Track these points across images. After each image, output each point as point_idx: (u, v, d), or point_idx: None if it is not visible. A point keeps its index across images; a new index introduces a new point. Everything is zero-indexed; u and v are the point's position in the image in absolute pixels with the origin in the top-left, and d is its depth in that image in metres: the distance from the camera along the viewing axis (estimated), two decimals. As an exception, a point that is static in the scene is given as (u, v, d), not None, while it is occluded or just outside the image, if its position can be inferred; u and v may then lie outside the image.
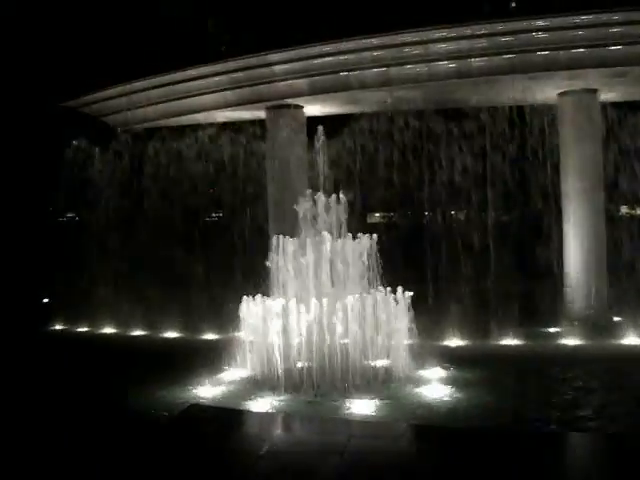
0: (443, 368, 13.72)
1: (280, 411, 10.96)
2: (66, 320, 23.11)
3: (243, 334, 13.71)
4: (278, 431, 9.26)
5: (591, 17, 17.97)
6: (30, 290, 25.24)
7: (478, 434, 9.03)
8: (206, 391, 12.68)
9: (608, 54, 17.98)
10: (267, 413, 10.75)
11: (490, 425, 10.01)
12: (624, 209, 28.03)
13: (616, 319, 19.61)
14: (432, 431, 9.22)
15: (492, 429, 9.49)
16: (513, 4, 19.83)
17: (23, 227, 27.74)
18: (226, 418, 9.91)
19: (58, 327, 22.99)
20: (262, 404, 11.57)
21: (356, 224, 15.21)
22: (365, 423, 9.87)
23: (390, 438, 8.56)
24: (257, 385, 12.86)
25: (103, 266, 23.86)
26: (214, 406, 11.06)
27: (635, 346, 16.70)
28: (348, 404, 11.40)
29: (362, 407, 11.18)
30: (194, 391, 12.70)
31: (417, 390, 12.34)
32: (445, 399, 11.78)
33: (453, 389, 12.34)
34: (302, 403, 11.61)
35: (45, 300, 26.08)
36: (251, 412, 10.80)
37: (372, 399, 11.66)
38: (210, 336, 19.04)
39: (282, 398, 11.95)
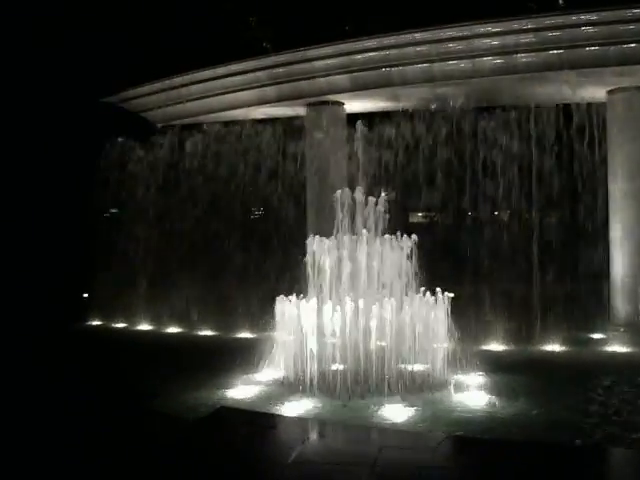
0: (482, 374, 13.23)
1: (311, 416, 10.59)
2: (103, 316, 23.15)
3: (277, 334, 13.37)
4: (308, 438, 8.88)
5: (640, 11, 17.33)
6: (71, 285, 25.29)
7: (518, 447, 8.57)
8: (237, 392, 12.39)
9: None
10: (297, 418, 10.38)
11: (531, 437, 9.49)
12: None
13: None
14: (470, 443, 8.78)
15: (533, 442, 8.98)
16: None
17: (66, 223, 27.81)
18: (255, 422, 9.60)
19: (95, 323, 23.03)
20: (293, 407, 11.22)
21: (397, 223, 14.76)
22: (399, 432, 9.44)
23: (425, 450, 8.13)
24: (289, 387, 12.52)
25: (144, 263, 23.83)
26: (243, 409, 10.73)
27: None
28: (382, 410, 10.99)
29: (396, 413, 10.76)
30: (225, 391, 12.43)
31: (455, 397, 11.87)
32: (484, 407, 11.29)
33: (492, 397, 11.84)
34: (334, 407, 11.22)
35: (84, 295, 26.15)
36: (281, 416, 10.46)
37: (407, 405, 11.23)
38: (245, 335, 18.82)
39: (314, 401, 11.58)
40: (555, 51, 17.89)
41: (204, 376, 13.30)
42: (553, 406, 11.26)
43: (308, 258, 13.47)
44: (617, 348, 16.76)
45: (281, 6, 25.67)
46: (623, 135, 19.39)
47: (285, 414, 10.76)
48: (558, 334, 17.11)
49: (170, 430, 9.62)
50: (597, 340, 17.90)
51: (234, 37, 25.72)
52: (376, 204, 13.89)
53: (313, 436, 9.17)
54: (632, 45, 17.43)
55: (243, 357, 13.60)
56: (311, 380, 12.31)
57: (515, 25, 18.02)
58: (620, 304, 19.13)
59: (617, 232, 19.40)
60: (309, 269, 13.61)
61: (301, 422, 10.11)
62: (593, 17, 17.59)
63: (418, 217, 33.04)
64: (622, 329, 18.32)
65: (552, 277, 20.97)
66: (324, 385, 12.23)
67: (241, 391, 12.44)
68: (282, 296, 13.29)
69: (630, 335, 17.54)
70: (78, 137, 27.64)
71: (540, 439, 9.45)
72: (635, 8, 17.40)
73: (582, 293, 20.55)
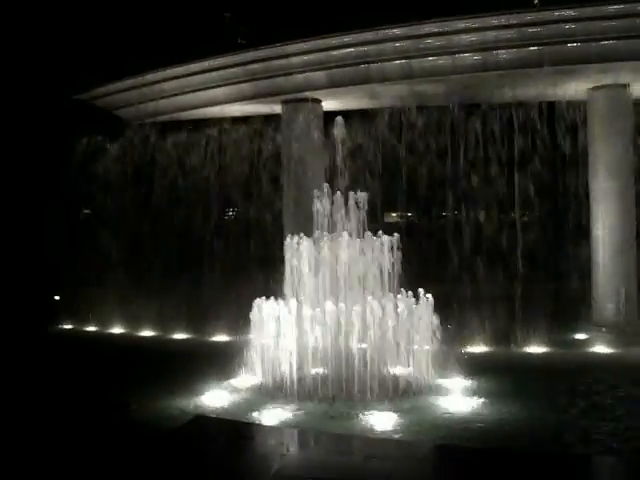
0: (467, 377, 12.87)
1: (292, 425, 10.16)
2: (75, 318, 22.55)
3: (254, 338, 12.91)
4: (289, 449, 8.46)
5: (624, 7, 17.05)
6: (42, 287, 24.66)
7: (508, 455, 8.20)
8: (214, 399, 11.93)
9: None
10: (278, 427, 9.95)
11: (521, 445, 9.13)
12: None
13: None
14: (458, 452, 8.39)
15: (522, 451, 8.61)
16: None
17: (36, 224, 27.18)
18: (233, 432, 9.17)
19: (67, 326, 22.41)
20: (273, 415, 10.78)
21: (373, 223, 14.37)
22: (385, 442, 9.04)
23: (412, 460, 7.74)
24: (268, 393, 12.10)
25: (115, 264, 23.27)
26: (220, 418, 10.27)
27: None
28: (366, 417, 10.59)
29: (381, 420, 10.36)
30: (201, 398, 11.96)
31: (440, 402, 11.51)
32: (470, 413, 10.95)
33: (479, 401, 11.50)
34: (316, 415, 10.80)
35: (56, 297, 25.51)
36: (260, 426, 10.00)
37: (392, 411, 10.84)
38: (221, 338, 18.34)
39: (295, 408, 11.16)
40: (536, 47, 17.54)
41: (179, 382, 12.76)
42: (540, 411, 10.95)
43: (286, 258, 13.04)
44: (600, 349, 16.50)
45: (257, 1, 25.24)
46: (604, 133, 19.16)
47: (265, 423, 10.32)
48: (541, 335, 16.80)
49: (142, 441, 9.13)
50: (580, 341, 17.64)
51: (209, 33, 25.25)
52: (356, 203, 13.49)
53: (295, 446, 8.75)
54: (613, 42, 17.14)
55: (220, 362, 13.17)
56: (291, 386, 11.89)
57: (495, 21, 17.65)
58: (602, 304, 18.89)
59: (599, 230, 19.16)
60: (287, 270, 13.19)
61: (282, 431, 9.69)
62: (574, 13, 17.28)
63: (393, 217, 32.76)
64: (604, 329, 18.09)
65: (533, 277, 20.73)
66: (305, 391, 11.81)
67: (218, 398, 11.97)
68: (260, 298, 12.85)
69: (613, 335, 17.32)
70: (48, 135, 27.02)
71: (528, 447, 9.13)
72: (616, 4, 17.17)
73: (564, 293, 20.36)
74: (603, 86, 18.84)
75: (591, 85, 18.96)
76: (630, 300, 18.68)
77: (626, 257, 18.95)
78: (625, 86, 18.75)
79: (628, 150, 19.06)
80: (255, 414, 10.86)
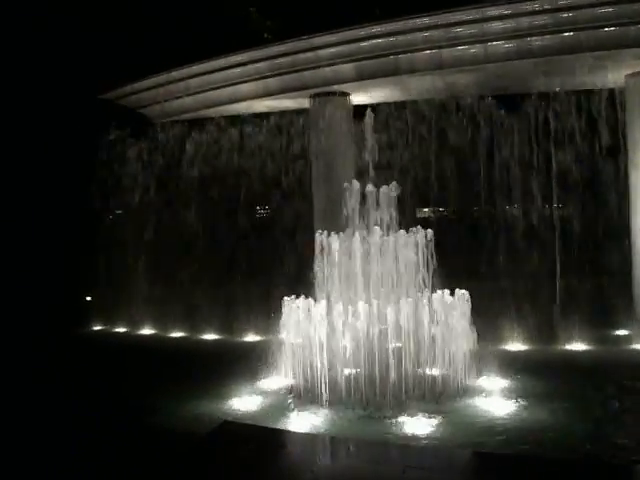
0: (506, 377, 12.34)
1: (324, 432, 9.71)
2: (106, 320, 22.38)
3: (285, 339, 12.49)
4: (321, 457, 8.03)
5: (662, -12, 16.37)
6: (74, 288, 24.52)
7: (547, 463, 7.69)
8: (243, 403, 11.55)
9: (683, 29, 16.31)
10: (309, 434, 9.50)
11: (566, 452, 8.60)
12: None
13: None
14: (499, 460, 7.89)
15: (569, 459, 8.09)
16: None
17: (66, 223, 27.07)
18: (262, 439, 8.74)
19: (97, 327, 22.23)
20: (303, 420, 10.36)
21: (405, 218, 13.88)
22: (422, 449, 8.57)
23: (452, 470, 7.25)
24: (299, 396, 11.66)
25: (148, 265, 23.06)
26: (249, 424, 9.86)
27: None
28: (401, 421, 10.12)
29: (417, 425, 9.90)
30: (229, 403, 11.58)
31: (478, 404, 11.01)
32: (510, 416, 10.44)
33: (518, 404, 10.98)
34: (349, 420, 10.36)
35: (88, 298, 25.38)
36: (290, 432, 9.58)
37: (428, 415, 10.36)
38: (252, 338, 17.97)
39: (326, 413, 10.72)
40: (570, 33, 16.88)
41: (207, 385, 12.48)
42: (585, 415, 10.43)
43: (317, 255, 12.60)
44: (640, 345, 15.87)
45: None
46: (643, 121, 18.43)
47: (296, 429, 9.88)
48: (581, 332, 16.20)
49: (170, 449, 8.76)
50: (622, 337, 17.00)
51: (234, 28, 24.90)
52: (387, 198, 13.01)
53: (327, 455, 8.30)
54: (653, 25, 16.43)
55: (249, 363, 12.80)
56: (323, 388, 11.44)
57: (528, 6, 17.00)
58: (644, 299, 18.17)
59: (639, 221, 18.43)
60: (317, 267, 12.76)
61: (314, 438, 9.25)
62: (609, -4, 16.61)
63: (425, 212, 32.23)
64: (646, 325, 17.40)
65: (574, 272, 20.06)
66: (337, 394, 11.36)
67: (247, 402, 11.60)
68: (290, 297, 12.43)
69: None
70: (76, 135, 26.87)
71: (568, 453, 8.62)
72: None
73: (605, 287, 19.68)
74: (641, 72, 18.12)
75: (629, 71, 18.21)
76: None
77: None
78: (666, 71, 18.02)
79: (671, 137, 18.31)
80: (285, 419, 10.46)
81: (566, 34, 16.97)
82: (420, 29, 17.92)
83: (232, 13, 27.37)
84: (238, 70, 20.29)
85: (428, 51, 17.99)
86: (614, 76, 18.48)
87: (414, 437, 9.48)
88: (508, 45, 17.39)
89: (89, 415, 10.81)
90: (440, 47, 17.86)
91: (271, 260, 21.59)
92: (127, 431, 9.77)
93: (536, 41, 17.13)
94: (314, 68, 19.12)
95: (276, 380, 12.54)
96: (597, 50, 16.85)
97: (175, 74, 21.49)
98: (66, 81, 27.16)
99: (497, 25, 17.31)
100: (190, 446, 8.69)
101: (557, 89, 20.12)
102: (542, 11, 16.95)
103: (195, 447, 8.61)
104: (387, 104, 21.82)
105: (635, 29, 16.41)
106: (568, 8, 16.84)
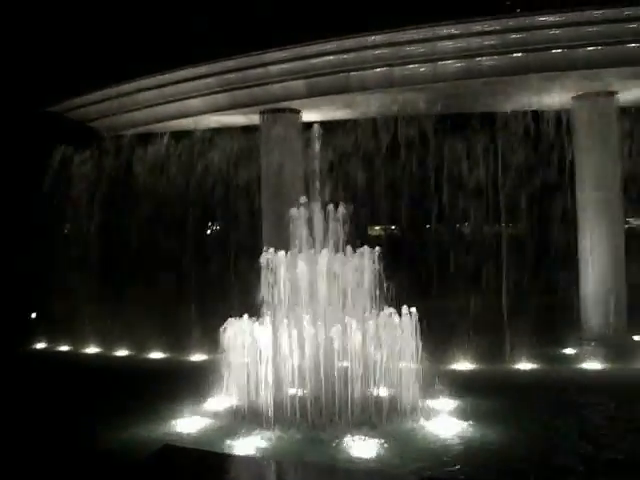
0: (454, 397, 12.25)
1: (268, 454, 9.48)
2: (50, 338, 21.78)
3: (230, 358, 12.22)
4: (265, 483, 7.81)
5: (609, 12, 16.63)
6: (18, 306, 23.88)
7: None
8: (185, 425, 11.25)
9: (628, 52, 16.60)
10: (253, 458, 9.27)
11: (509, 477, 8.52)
12: (635, 221, 26.97)
13: (636, 338, 18.28)
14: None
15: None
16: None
17: (11, 240, 26.44)
18: (204, 463, 8.46)
19: (41, 346, 21.62)
20: (248, 443, 10.11)
21: (356, 237, 13.76)
22: (369, 473, 8.38)
23: (397, 495, 7.09)
24: (244, 418, 11.38)
25: (92, 282, 22.60)
26: (191, 447, 9.58)
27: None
28: (347, 443, 9.94)
29: (364, 448, 9.73)
30: (171, 424, 11.28)
31: (426, 426, 10.88)
32: (459, 438, 10.33)
33: (467, 424, 10.90)
34: (294, 442, 10.15)
35: (32, 315, 24.75)
36: (234, 456, 9.32)
37: (375, 437, 10.20)
38: (197, 358, 17.63)
39: (272, 435, 10.49)
40: (520, 54, 17.09)
41: (149, 406, 12.15)
42: (532, 435, 10.36)
43: (262, 273, 12.39)
44: (590, 364, 15.96)
45: (234, 10, 24.71)
46: (589, 142, 18.71)
47: (239, 452, 9.63)
48: (529, 350, 16.23)
49: (107, 474, 8.44)
50: (569, 356, 17.12)
51: (185, 42, 24.64)
52: (335, 216, 12.86)
53: (273, 479, 8.06)
54: (598, 48, 16.71)
55: (194, 383, 12.50)
56: (268, 409, 11.21)
57: (478, 27, 17.19)
58: (591, 318, 18.40)
59: (587, 243, 18.65)
60: (264, 286, 12.54)
61: (258, 462, 9.00)
62: (558, 18, 16.85)
63: (376, 230, 32.29)
64: (594, 343, 17.56)
65: (521, 291, 20.21)
66: (283, 415, 11.13)
67: (190, 423, 11.30)
68: (235, 317, 12.18)
69: (602, 350, 16.79)
70: (21, 149, 26.32)
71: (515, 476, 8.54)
72: (601, 9, 16.76)
73: (552, 306, 19.87)
74: (588, 94, 18.38)
75: (576, 93, 18.50)
76: (619, 313, 18.19)
77: (615, 269, 18.46)
78: (611, 93, 18.30)
79: (615, 159, 18.60)
80: (229, 442, 10.20)
81: (514, 55, 17.17)
82: (371, 47, 17.96)
83: (183, 27, 27.13)
84: (188, 85, 20.09)
85: (379, 69, 18.03)
86: (561, 97, 18.79)
87: (360, 459, 9.32)
88: (458, 64, 17.53)
89: (20, 440, 10.40)
90: (391, 65, 17.92)
91: (219, 277, 21.37)
92: (61, 456, 9.40)
93: (485, 61, 17.30)
94: (264, 84, 19.01)
95: (221, 401, 12.24)
96: (544, 71, 17.11)
97: (125, 87, 21.22)
98: (11, 93, 26.63)
99: (447, 44, 17.44)
100: (128, 471, 8.40)
101: (506, 109, 20.38)
102: (491, 32, 17.14)
103: (133, 472, 8.31)
104: (339, 121, 21.85)
105: (582, 51, 16.70)
106: (517, 29, 17.06)
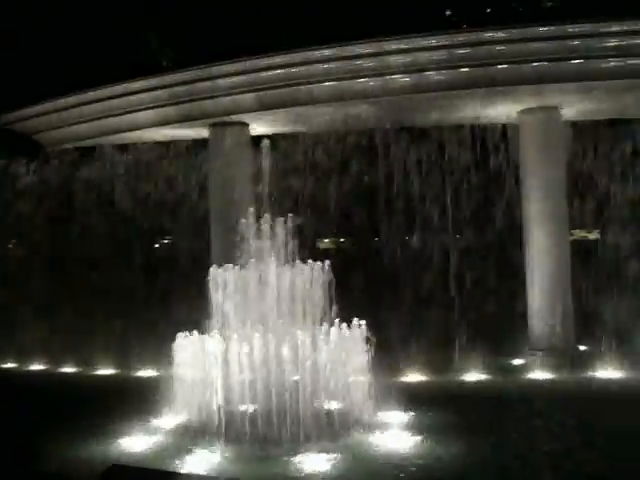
0: (404, 410, 12.27)
1: (217, 472, 9.36)
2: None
3: (180, 374, 12.07)
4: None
5: (553, 28, 16.99)
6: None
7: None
8: (134, 443, 11.05)
9: (571, 68, 16.94)
10: (203, 476, 9.14)
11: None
12: (580, 232, 27.45)
13: (582, 348, 18.63)
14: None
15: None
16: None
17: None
18: (153, 482, 8.31)
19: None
20: (197, 461, 9.98)
21: (305, 250, 13.74)
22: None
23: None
24: (193, 434, 11.24)
25: (34, 297, 22.17)
26: (140, 467, 9.40)
27: (606, 379, 15.58)
28: (299, 459, 9.87)
29: (316, 463, 9.67)
30: (119, 443, 11.06)
31: (376, 439, 10.87)
32: (411, 451, 10.33)
33: (418, 437, 10.91)
34: (244, 459, 10.05)
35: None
36: (182, 474, 9.16)
37: (327, 452, 10.15)
38: (146, 373, 17.38)
39: (222, 451, 10.37)
40: (467, 69, 17.30)
41: (97, 424, 11.91)
42: (486, 447, 10.40)
43: (212, 288, 12.28)
44: (538, 374, 16.22)
45: (183, 23, 24.61)
46: (535, 155, 19.03)
47: (189, 470, 9.49)
48: (478, 361, 16.39)
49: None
50: (517, 366, 17.36)
51: (132, 55, 24.45)
52: (284, 229, 12.82)
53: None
54: (544, 64, 17.01)
55: (144, 400, 12.31)
56: (218, 425, 11.07)
57: (425, 42, 17.38)
58: (538, 328, 18.62)
59: (533, 253, 18.93)
60: (213, 300, 12.43)
61: (207, 480, 8.88)
62: (504, 34, 17.15)
63: (326, 243, 32.34)
64: (541, 353, 17.84)
65: (470, 302, 20.43)
66: (233, 431, 11.01)
67: (139, 442, 11.09)
68: (184, 331, 12.04)
69: (549, 359, 17.11)
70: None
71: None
72: (546, 26, 17.12)
73: (501, 317, 20.11)
74: (534, 108, 18.70)
75: (522, 107, 18.81)
76: (566, 323, 18.46)
77: (561, 280, 18.76)
78: (556, 108, 18.65)
79: (560, 172, 18.93)
80: (178, 459, 10.05)
81: (462, 70, 17.37)
82: (320, 61, 18.00)
83: (131, 40, 26.94)
84: (135, 98, 19.85)
85: (328, 83, 18.06)
86: (507, 111, 19.08)
87: (312, 475, 9.26)
88: (406, 79, 17.65)
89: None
90: (340, 79, 17.97)
91: (168, 292, 21.16)
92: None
93: (433, 76, 17.45)
94: (213, 97, 18.90)
95: (170, 418, 12.08)
96: (491, 86, 17.34)
97: (71, 100, 20.90)
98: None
99: (396, 59, 17.57)
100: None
101: (455, 123, 20.66)
102: (439, 47, 17.34)
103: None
104: (288, 135, 21.88)
105: (527, 67, 16.97)
106: (464, 45, 17.28)
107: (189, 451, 10.43)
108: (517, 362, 17.75)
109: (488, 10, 28.35)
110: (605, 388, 14.84)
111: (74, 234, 23.44)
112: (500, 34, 17.16)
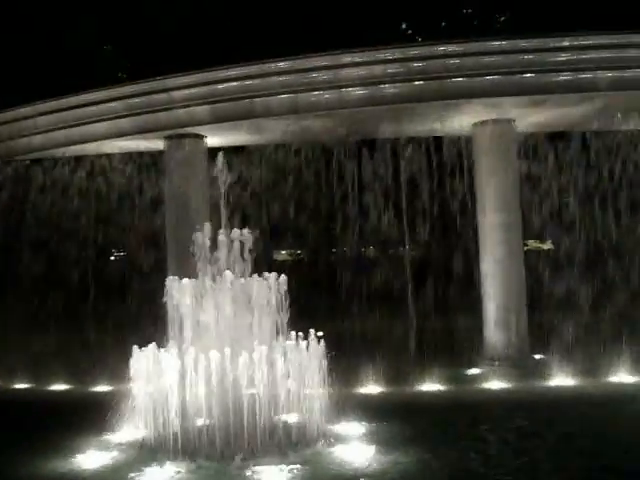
0: (362, 422, 12.29)
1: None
2: None
3: (136, 388, 11.91)
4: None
5: (506, 43, 17.34)
6: None
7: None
8: (89, 459, 10.86)
9: (523, 82, 17.24)
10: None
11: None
12: (533, 243, 27.91)
13: (537, 357, 18.90)
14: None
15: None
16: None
17: None
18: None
19: None
20: (153, 476, 9.86)
21: (262, 262, 13.71)
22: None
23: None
24: (150, 449, 11.11)
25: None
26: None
27: (560, 387, 15.80)
28: (257, 473, 9.81)
29: (273, 477, 9.62)
30: (74, 460, 10.88)
31: (336, 452, 10.85)
32: (369, 463, 10.32)
33: (376, 449, 10.91)
34: (201, 474, 9.95)
35: None
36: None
37: (284, 465, 10.11)
38: (103, 388, 17.12)
39: (178, 467, 10.26)
40: (422, 82, 17.48)
41: (51, 440, 11.71)
42: (444, 458, 10.45)
43: (167, 303, 12.16)
44: (493, 384, 16.34)
45: (138, 35, 24.48)
46: (489, 167, 19.28)
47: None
48: (435, 372, 16.49)
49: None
50: (474, 376, 17.49)
51: (87, 66, 24.25)
52: (240, 241, 12.76)
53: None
54: (497, 77, 17.27)
55: (99, 415, 12.10)
56: (174, 440, 10.96)
57: (381, 55, 17.55)
58: (494, 338, 18.82)
59: (488, 264, 19.14)
60: (169, 314, 12.31)
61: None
62: (458, 48, 17.43)
63: (283, 255, 32.40)
64: (497, 363, 18.05)
65: (426, 312, 20.61)
66: (190, 446, 10.91)
67: (94, 458, 10.92)
68: (140, 345, 11.90)
69: (505, 369, 17.32)
70: None
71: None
72: (499, 40, 17.45)
73: (457, 327, 20.30)
74: (487, 121, 18.96)
75: (476, 120, 19.06)
76: (520, 333, 18.70)
77: (515, 290, 18.99)
78: (509, 121, 18.93)
79: (514, 184, 19.20)
80: (133, 475, 9.93)
81: (417, 83, 17.54)
82: (276, 73, 18.03)
83: (86, 51, 26.71)
84: (89, 109, 19.63)
85: (284, 95, 18.08)
86: (462, 124, 19.31)
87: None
88: (362, 91, 17.75)
89: None
90: (296, 92, 18.01)
91: (124, 306, 20.95)
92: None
93: (388, 89, 17.59)
94: (168, 109, 18.77)
95: (126, 433, 11.93)
96: (446, 99, 17.55)
97: (23, 111, 20.59)
98: None
99: (351, 72, 17.69)
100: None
101: (410, 135, 20.87)
102: (394, 60, 17.50)
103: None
104: (246, 147, 21.88)
105: (481, 80, 17.21)
106: (419, 58, 17.47)
107: (145, 466, 10.30)
108: (473, 372, 17.88)
109: (443, 24, 28.80)
110: (559, 396, 15.05)
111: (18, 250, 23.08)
112: (454, 48, 17.43)
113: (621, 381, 15.88)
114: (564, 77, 17.02)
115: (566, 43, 17.11)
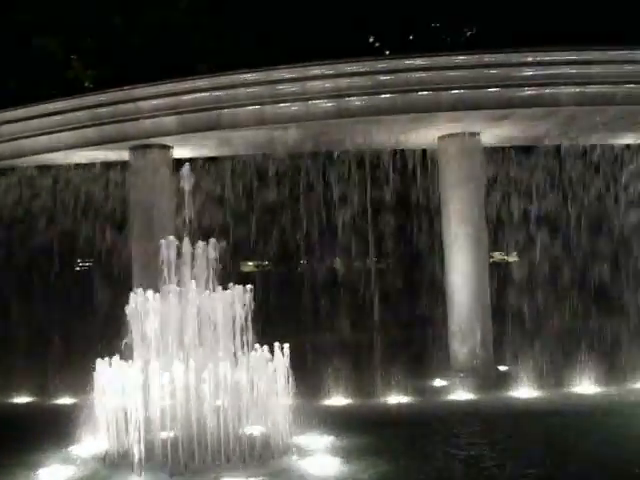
0: (328, 434, 12.28)
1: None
2: None
3: (98, 401, 11.79)
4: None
5: (471, 57, 17.54)
6: None
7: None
8: (51, 473, 10.71)
9: (487, 96, 17.45)
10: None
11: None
12: (498, 255, 28.17)
13: (502, 368, 19.08)
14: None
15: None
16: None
17: None
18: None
19: None
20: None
21: (229, 274, 13.66)
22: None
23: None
24: (113, 462, 11.00)
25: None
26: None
27: (524, 398, 16.03)
28: (220, 487, 9.78)
29: (237, 490, 9.60)
30: (36, 474, 10.71)
31: (301, 464, 10.82)
32: (334, 476, 10.31)
33: (342, 461, 10.89)
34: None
35: None
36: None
37: (249, 477, 10.06)
38: (65, 401, 16.93)
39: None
40: (388, 95, 17.60)
41: (11, 454, 11.55)
42: (410, 470, 10.50)
43: (131, 315, 12.06)
44: (459, 395, 16.48)
45: (105, 44, 24.36)
46: (454, 180, 19.47)
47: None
48: (400, 384, 16.52)
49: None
50: (439, 388, 17.62)
51: (53, 75, 24.04)
52: (205, 253, 12.71)
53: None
54: (462, 91, 17.45)
55: (61, 428, 12.00)
56: (139, 453, 10.84)
57: (348, 68, 17.65)
58: (459, 349, 18.96)
59: (453, 276, 19.29)
60: (132, 326, 12.20)
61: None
62: (424, 62, 17.58)
63: (249, 266, 32.32)
64: (462, 374, 18.16)
65: (389, 324, 20.69)
66: (154, 459, 10.81)
67: (56, 472, 10.76)
68: (104, 357, 11.78)
69: (470, 380, 17.41)
70: None
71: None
72: (464, 55, 17.65)
73: (423, 339, 20.38)
74: (453, 134, 19.15)
75: (442, 133, 19.24)
76: (485, 345, 18.85)
77: (480, 302, 19.15)
78: (475, 134, 19.13)
79: (479, 196, 19.41)
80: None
81: (383, 96, 17.65)
82: (243, 85, 18.03)
83: (52, 59, 26.51)
84: (54, 118, 19.45)
85: (251, 107, 18.08)
86: (428, 137, 19.47)
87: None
88: (329, 104, 17.83)
89: None
90: (263, 103, 18.02)
91: (86, 317, 20.73)
92: None
93: (355, 101, 17.69)
94: (134, 120, 18.67)
95: (88, 446, 11.78)
96: (411, 112, 17.68)
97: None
98: None
99: (318, 84, 17.76)
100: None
101: (376, 147, 20.98)
102: (361, 73, 17.62)
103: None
104: (213, 158, 21.82)
105: (446, 94, 17.38)
106: (385, 72, 17.63)
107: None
108: (439, 384, 17.99)
109: (411, 37, 29.06)
110: (524, 406, 15.26)
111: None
112: (420, 61, 17.58)
113: (584, 392, 16.11)
114: (528, 92, 17.26)
115: (530, 59, 17.39)
